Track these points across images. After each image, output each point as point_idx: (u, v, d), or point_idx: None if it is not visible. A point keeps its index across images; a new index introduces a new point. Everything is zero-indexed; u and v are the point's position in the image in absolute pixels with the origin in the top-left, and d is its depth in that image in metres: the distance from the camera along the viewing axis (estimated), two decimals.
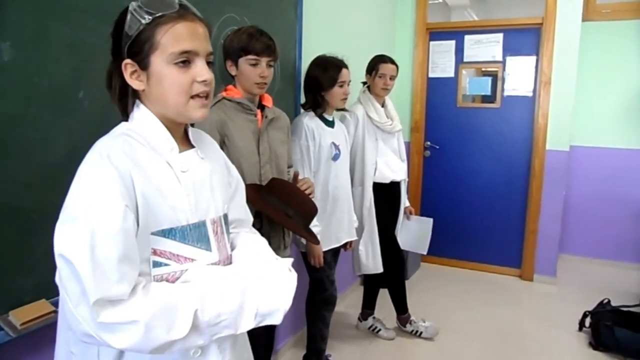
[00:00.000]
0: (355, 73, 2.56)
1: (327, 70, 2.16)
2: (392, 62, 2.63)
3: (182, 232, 0.92)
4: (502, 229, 3.98)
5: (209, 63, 0.94)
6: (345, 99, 2.23)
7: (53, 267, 1.23)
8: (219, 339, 0.93)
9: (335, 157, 2.22)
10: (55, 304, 1.22)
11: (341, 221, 2.28)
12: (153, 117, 0.94)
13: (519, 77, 3.82)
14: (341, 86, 2.18)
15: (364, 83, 2.71)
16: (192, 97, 0.92)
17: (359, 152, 2.57)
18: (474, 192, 4.04)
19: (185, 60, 0.89)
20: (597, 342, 2.76)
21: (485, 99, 3.98)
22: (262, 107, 1.78)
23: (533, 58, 3.76)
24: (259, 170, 1.72)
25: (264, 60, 1.66)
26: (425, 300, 3.39)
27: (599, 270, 4.14)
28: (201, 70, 0.91)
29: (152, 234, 0.89)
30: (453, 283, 3.80)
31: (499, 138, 3.92)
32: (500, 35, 3.84)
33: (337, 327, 2.89)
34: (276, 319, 0.95)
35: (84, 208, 0.81)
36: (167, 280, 0.92)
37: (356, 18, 3.23)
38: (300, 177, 1.92)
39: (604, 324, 2.75)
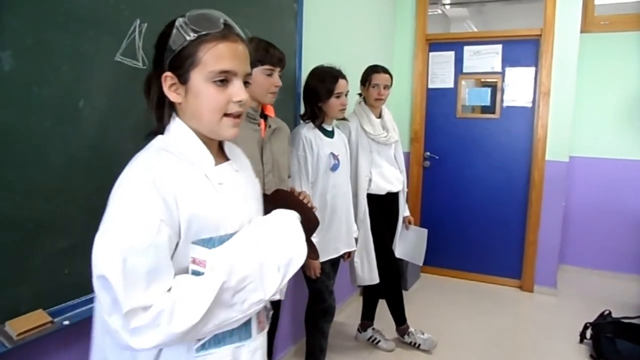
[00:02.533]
0: (355, 84, 2.58)
1: (324, 81, 2.17)
2: (385, 71, 2.63)
3: (220, 241, 0.94)
4: (502, 240, 3.97)
5: (246, 83, 0.97)
6: (343, 109, 2.23)
7: (50, 277, 1.23)
8: (252, 346, 1.00)
9: (334, 168, 2.22)
10: (52, 314, 1.22)
11: (339, 231, 2.27)
12: (189, 130, 0.97)
13: (518, 88, 3.83)
14: (338, 97, 2.18)
15: (360, 94, 2.71)
16: (226, 115, 0.94)
17: (352, 164, 2.55)
18: (474, 203, 4.04)
19: (223, 79, 0.92)
20: (599, 354, 2.74)
21: (485, 109, 3.99)
22: (264, 117, 1.81)
23: (532, 69, 3.77)
24: (262, 179, 1.75)
25: (277, 71, 1.75)
26: (425, 311, 3.37)
27: (599, 282, 4.12)
28: (238, 91, 0.94)
29: (193, 242, 0.91)
30: (453, 294, 3.78)
31: (499, 149, 3.93)
32: (499, 47, 3.86)
33: (336, 338, 2.87)
34: (297, 264, 0.98)
35: (120, 223, 0.84)
36: None
37: (356, 29, 3.25)
38: (297, 188, 1.93)
39: (605, 335, 2.73)
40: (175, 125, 0.97)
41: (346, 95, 2.22)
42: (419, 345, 2.84)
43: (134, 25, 1.41)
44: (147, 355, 0.91)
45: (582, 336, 2.95)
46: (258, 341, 1.04)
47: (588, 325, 2.95)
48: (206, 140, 0.98)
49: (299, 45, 2.41)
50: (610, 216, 4.17)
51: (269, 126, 1.82)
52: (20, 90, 1.13)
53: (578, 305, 3.55)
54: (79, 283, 1.29)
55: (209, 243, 0.92)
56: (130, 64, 1.41)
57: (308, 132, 2.17)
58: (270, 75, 1.73)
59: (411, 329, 2.88)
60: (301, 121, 2.29)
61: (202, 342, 0.93)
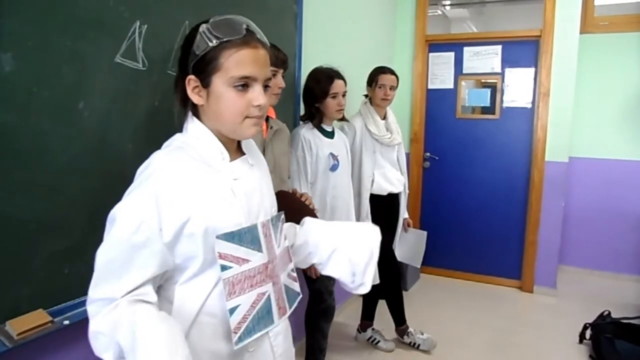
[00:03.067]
0: (355, 84, 2.58)
1: (320, 81, 2.18)
2: (392, 72, 2.65)
3: (239, 235, 0.99)
4: (502, 240, 3.98)
5: (266, 87, 1.01)
6: (340, 110, 2.23)
7: (50, 277, 1.24)
8: (274, 331, 1.07)
9: (334, 168, 2.23)
10: (52, 314, 1.22)
11: None
12: (206, 130, 1.01)
13: (517, 89, 3.84)
14: (334, 97, 2.19)
15: (366, 95, 2.73)
16: (247, 117, 0.98)
17: (355, 164, 2.58)
18: (474, 203, 4.04)
19: (244, 84, 0.96)
20: (598, 355, 2.75)
21: (485, 110, 3.99)
22: (266, 118, 1.82)
23: (532, 70, 3.78)
24: None
25: (280, 72, 1.78)
26: (425, 312, 3.38)
27: (598, 282, 4.12)
28: (257, 95, 0.97)
29: (217, 237, 0.95)
30: (452, 294, 3.79)
31: (498, 149, 3.93)
32: (499, 47, 3.87)
33: (335, 339, 2.88)
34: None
35: (117, 217, 0.89)
36: (233, 284, 0.97)
37: (356, 30, 3.26)
38: (296, 188, 1.94)
39: (604, 336, 2.74)
40: (192, 125, 1.02)
41: (343, 95, 2.22)
42: (419, 345, 2.84)
43: (134, 27, 1.41)
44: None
45: (582, 337, 2.96)
46: (280, 326, 1.10)
47: (587, 325, 2.95)
48: (225, 139, 1.02)
49: (298, 46, 2.41)
50: (609, 217, 4.17)
51: (271, 127, 1.84)
52: (20, 91, 1.14)
53: (577, 306, 3.56)
54: (79, 283, 1.29)
55: (230, 237, 0.97)
56: (131, 66, 1.41)
57: (307, 132, 2.18)
58: (274, 76, 1.76)
59: (410, 329, 2.89)
60: (300, 122, 2.30)
61: (238, 334, 0.97)
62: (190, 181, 0.94)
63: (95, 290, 0.89)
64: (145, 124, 1.47)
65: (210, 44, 0.94)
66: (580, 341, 2.96)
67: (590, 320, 2.97)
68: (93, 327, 0.88)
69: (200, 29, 0.96)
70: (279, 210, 1.69)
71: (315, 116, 2.21)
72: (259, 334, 1.02)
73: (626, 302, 3.60)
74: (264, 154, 1.78)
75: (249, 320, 1.00)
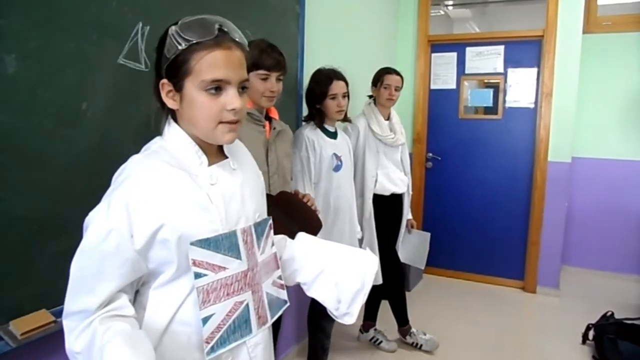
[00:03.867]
0: (357, 85, 2.59)
1: (319, 83, 2.18)
2: (397, 73, 2.66)
3: (216, 241, 0.95)
4: (505, 241, 3.97)
5: (244, 88, 0.96)
6: (340, 111, 2.21)
7: (53, 278, 1.24)
8: (252, 341, 1.03)
9: (337, 168, 2.23)
10: (55, 314, 1.23)
11: (342, 232, 2.28)
12: (183, 134, 0.98)
13: (520, 89, 3.83)
14: (333, 98, 2.18)
15: (370, 96, 2.73)
16: (221, 122, 0.94)
17: (359, 164, 2.59)
18: (476, 204, 4.04)
19: (217, 87, 0.91)
20: (601, 356, 2.74)
21: (487, 110, 3.99)
22: (269, 118, 1.82)
23: (534, 70, 3.77)
24: (267, 180, 1.76)
25: (273, 75, 1.70)
26: (427, 312, 3.38)
27: (601, 283, 4.11)
28: (231, 99, 0.92)
29: (191, 244, 0.91)
30: (455, 295, 3.79)
31: (501, 149, 3.92)
32: (501, 48, 3.86)
33: (338, 339, 2.88)
34: None
35: (89, 225, 0.89)
36: (208, 292, 0.93)
37: (358, 30, 3.26)
38: (300, 189, 1.93)
39: (607, 337, 2.73)
40: (170, 129, 0.99)
41: (344, 96, 2.21)
42: (421, 345, 2.84)
43: (137, 28, 1.42)
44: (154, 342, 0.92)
45: (585, 337, 2.95)
46: (259, 336, 1.05)
47: (590, 326, 2.94)
48: (204, 143, 0.99)
49: (300, 47, 2.42)
50: (613, 217, 4.16)
51: (274, 128, 1.83)
52: (23, 92, 1.15)
53: (580, 306, 3.55)
54: None
55: (205, 244, 0.93)
56: (133, 67, 1.42)
57: (310, 132, 2.19)
58: (265, 79, 1.69)
59: (413, 330, 2.89)
60: (303, 122, 2.30)
61: (210, 344, 0.94)
62: (163, 187, 0.90)
63: (71, 302, 0.87)
64: (148, 125, 1.47)
65: (180, 47, 0.90)
66: (583, 342, 2.95)
67: (593, 321, 2.96)
68: (69, 345, 0.87)
69: (170, 31, 0.92)
70: (282, 210, 1.69)
71: (316, 117, 2.21)
72: (234, 344, 0.98)
73: (629, 302, 3.59)
74: (267, 155, 1.78)
75: (223, 329, 0.96)
